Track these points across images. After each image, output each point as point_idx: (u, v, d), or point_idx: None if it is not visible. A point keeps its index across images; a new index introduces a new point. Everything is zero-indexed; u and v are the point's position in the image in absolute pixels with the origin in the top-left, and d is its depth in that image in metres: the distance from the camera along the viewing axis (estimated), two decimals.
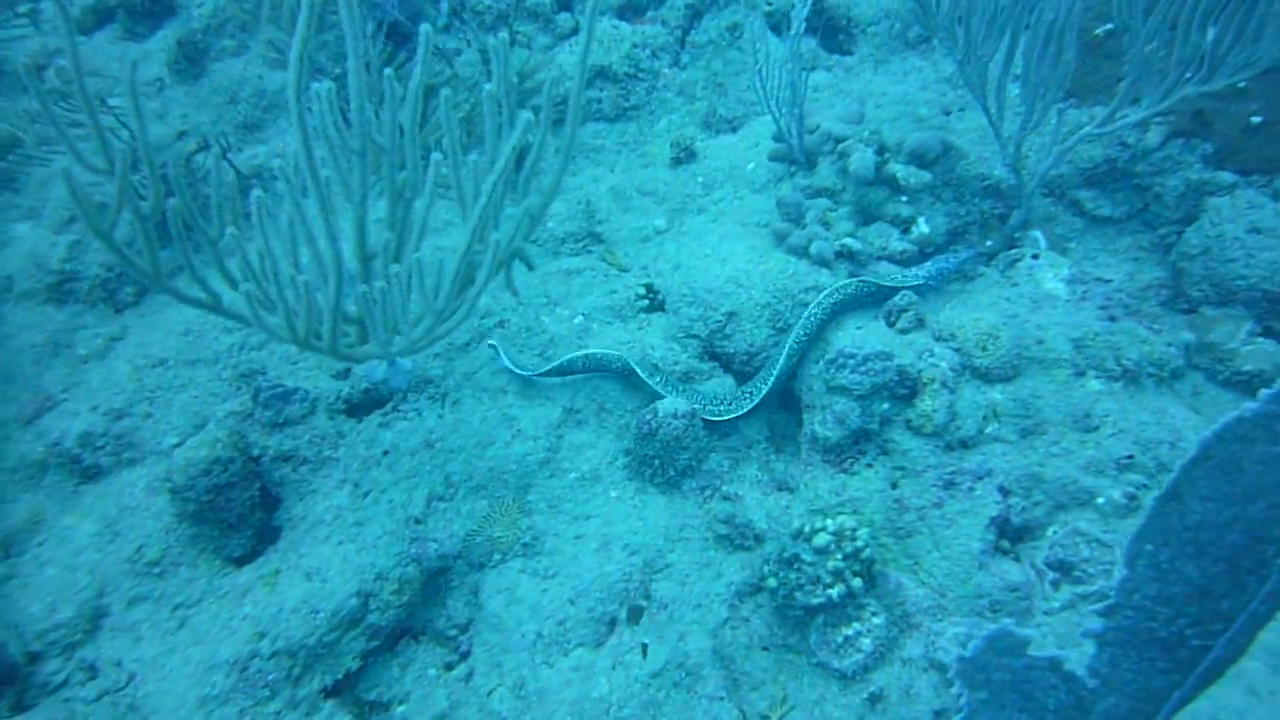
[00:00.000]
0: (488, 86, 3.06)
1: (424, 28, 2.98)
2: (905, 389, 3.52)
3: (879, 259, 4.19)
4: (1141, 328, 3.85)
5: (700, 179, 4.99)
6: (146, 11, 6.02)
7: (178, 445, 3.87)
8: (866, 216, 4.31)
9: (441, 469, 3.73)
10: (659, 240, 4.76)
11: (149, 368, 4.33)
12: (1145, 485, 3.38)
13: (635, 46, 5.40)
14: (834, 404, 3.51)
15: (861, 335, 3.75)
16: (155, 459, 4.01)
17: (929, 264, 4.08)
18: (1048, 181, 4.57)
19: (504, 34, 3.12)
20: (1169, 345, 3.80)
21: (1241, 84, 4.66)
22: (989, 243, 4.30)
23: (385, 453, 3.74)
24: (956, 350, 3.59)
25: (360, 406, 3.93)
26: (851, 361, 3.43)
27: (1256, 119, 4.37)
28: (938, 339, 3.69)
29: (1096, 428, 3.51)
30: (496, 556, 3.52)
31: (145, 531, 3.75)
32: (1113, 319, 3.89)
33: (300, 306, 2.94)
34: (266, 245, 3.00)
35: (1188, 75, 3.48)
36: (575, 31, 5.46)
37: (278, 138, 5.24)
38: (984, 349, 3.55)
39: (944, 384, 3.44)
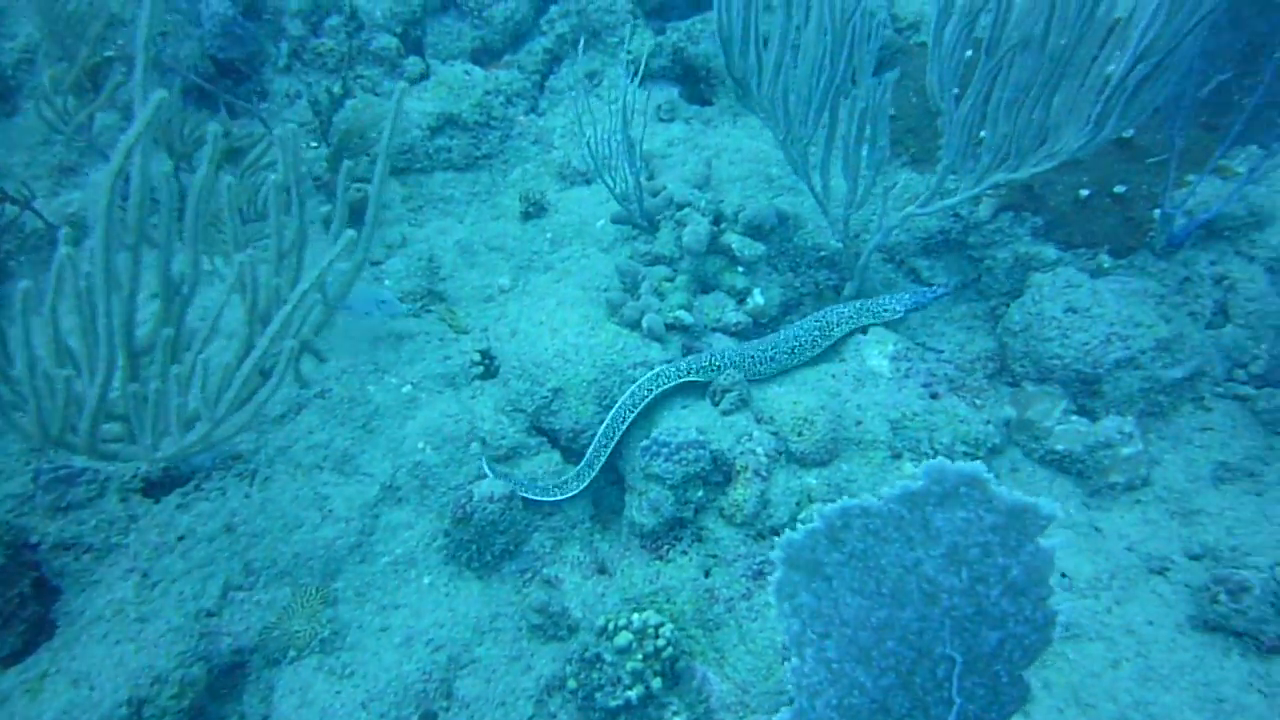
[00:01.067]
0: (272, 177, 2.88)
1: (212, 127, 2.76)
2: (720, 475, 3.48)
3: (714, 330, 4.16)
4: (963, 405, 3.90)
5: (549, 235, 4.89)
6: None
7: None
8: (704, 286, 4.27)
9: (242, 555, 3.52)
10: (503, 300, 4.64)
11: None
12: None
13: (488, 93, 5.27)
14: (649, 491, 3.45)
15: (685, 416, 3.70)
16: None
17: (907, 295, 4.09)
18: (889, 249, 4.62)
19: (292, 125, 2.95)
20: (987, 423, 3.86)
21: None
22: None
23: (180, 538, 3.52)
24: (774, 434, 3.57)
25: (159, 486, 3.69)
26: (665, 450, 3.37)
27: (1085, 192, 4.50)
28: (759, 421, 3.67)
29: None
30: (292, 653, 3.34)
31: None
32: (934, 396, 3.93)
33: (57, 400, 2.71)
34: (25, 335, 2.76)
35: (998, 162, 3.53)
36: (424, 76, 5.30)
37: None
38: (800, 434, 3.53)
39: (756, 472, 3.41)
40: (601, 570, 3.64)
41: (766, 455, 3.48)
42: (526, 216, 4.98)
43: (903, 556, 1.86)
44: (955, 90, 3.52)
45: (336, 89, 4.70)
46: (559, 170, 5.27)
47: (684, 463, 3.36)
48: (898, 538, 1.86)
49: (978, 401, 4.05)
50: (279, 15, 5.26)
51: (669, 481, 3.38)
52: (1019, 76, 3.14)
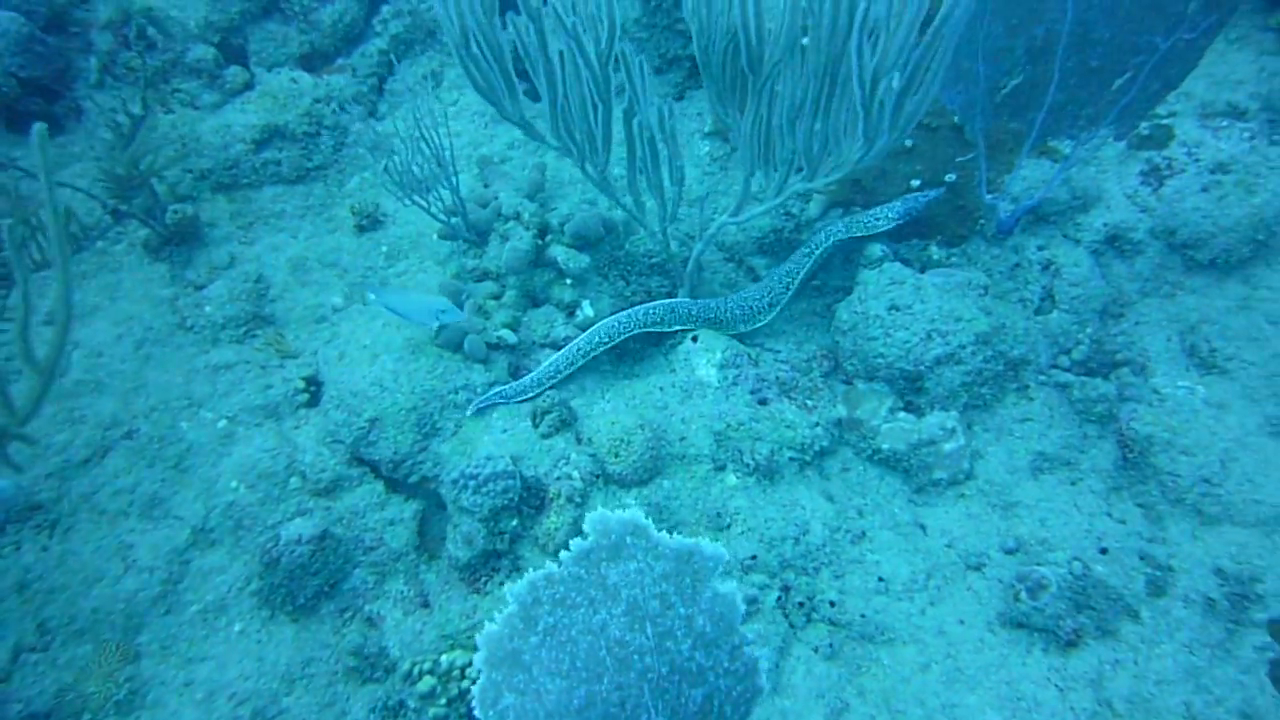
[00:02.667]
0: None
1: None
2: (535, 503, 3.40)
3: (542, 346, 4.06)
4: (791, 409, 3.88)
5: (385, 249, 4.73)
6: None
7: None
8: (533, 300, 4.17)
9: (36, 614, 3.35)
10: (336, 320, 4.48)
11: None
12: (767, 585, 3.40)
13: (318, 101, 5.05)
14: (462, 523, 3.36)
15: (505, 441, 3.61)
16: None
17: (898, 203, 4.09)
18: (729, 248, 4.58)
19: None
20: (815, 426, 3.85)
21: (908, 143, 4.80)
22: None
23: None
24: (592, 456, 3.51)
25: None
26: (473, 483, 3.28)
27: (916, 182, 4.50)
28: (579, 442, 3.60)
29: (728, 526, 3.50)
30: (86, 716, 3.19)
31: None
32: (762, 403, 3.90)
33: None
34: None
35: (792, 172, 3.48)
36: (248, 86, 5.05)
37: None
38: (617, 455, 3.47)
39: (570, 498, 3.34)
40: (425, 604, 3.54)
41: (582, 479, 3.42)
42: (361, 230, 4.80)
43: (589, 621, 1.81)
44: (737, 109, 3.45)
45: (137, 108, 4.45)
46: (399, 177, 5.08)
47: (492, 494, 3.28)
48: (582, 601, 1.81)
49: (810, 403, 4.03)
50: (87, 28, 4.96)
51: (478, 514, 3.29)
52: (790, 92, 3.09)
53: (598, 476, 3.47)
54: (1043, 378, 4.02)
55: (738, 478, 3.60)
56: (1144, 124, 4.68)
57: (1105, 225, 4.30)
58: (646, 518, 1.78)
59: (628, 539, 1.76)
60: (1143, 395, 3.84)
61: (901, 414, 3.94)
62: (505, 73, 3.25)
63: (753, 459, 3.60)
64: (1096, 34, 3.65)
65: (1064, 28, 3.56)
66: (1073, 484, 3.69)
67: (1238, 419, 3.67)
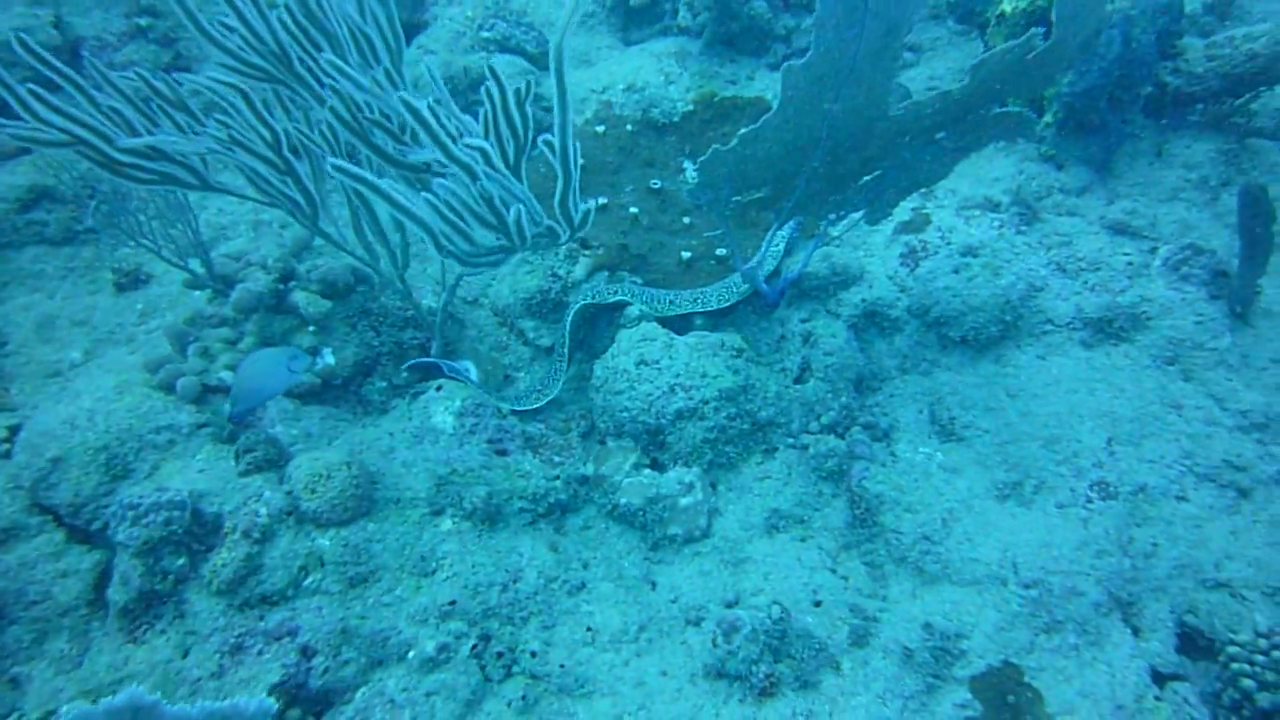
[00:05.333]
0: None
1: None
2: (210, 541, 3.11)
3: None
4: (531, 461, 3.73)
5: (140, 306, 4.54)
6: None
7: None
8: (271, 346, 3.99)
9: None
10: (71, 375, 4.21)
11: None
12: (464, 634, 3.13)
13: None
14: (120, 561, 3.03)
15: (197, 479, 3.34)
16: None
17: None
18: (500, 310, 4.53)
19: None
20: (554, 480, 3.69)
21: (685, 219, 4.91)
22: (403, 372, 4.10)
23: None
24: (288, 493, 3.26)
25: None
26: (131, 514, 2.99)
27: (687, 254, 4.57)
28: (281, 482, 3.35)
29: (434, 571, 3.25)
30: None
31: None
32: (501, 453, 3.74)
33: None
34: None
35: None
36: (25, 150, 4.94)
37: None
38: (313, 491, 3.23)
39: (246, 533, 3.07)
40: (80, 663, 3.14)
41: (269, 515, 3.15)
42: (120, 289, 4.62)
43: None
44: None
45: None
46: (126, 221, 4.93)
47: (152, 526, 2.98)
48: None
49: (556, 458, 3.88)
50: None
51: (132, 548, 2.98)
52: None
53: (289, 514, 3.20)
54: (790, 441, 3.96)
55: (453, 523, 3.38)
56: (907, 212, 4.92)
57: (864, 301, 4.40)
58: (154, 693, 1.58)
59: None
60: (879, 457, 3.81)
61: (646, 470, 3.81)
62: None
63: (472, 504, 3.40)
64: (846, 158, 3.69)
65: (816, 162, 3.58)
66: (802, 540, 3.57)
67: (967, 483, 3.66)
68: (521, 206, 3.02)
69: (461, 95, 5.55)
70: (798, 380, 4.19)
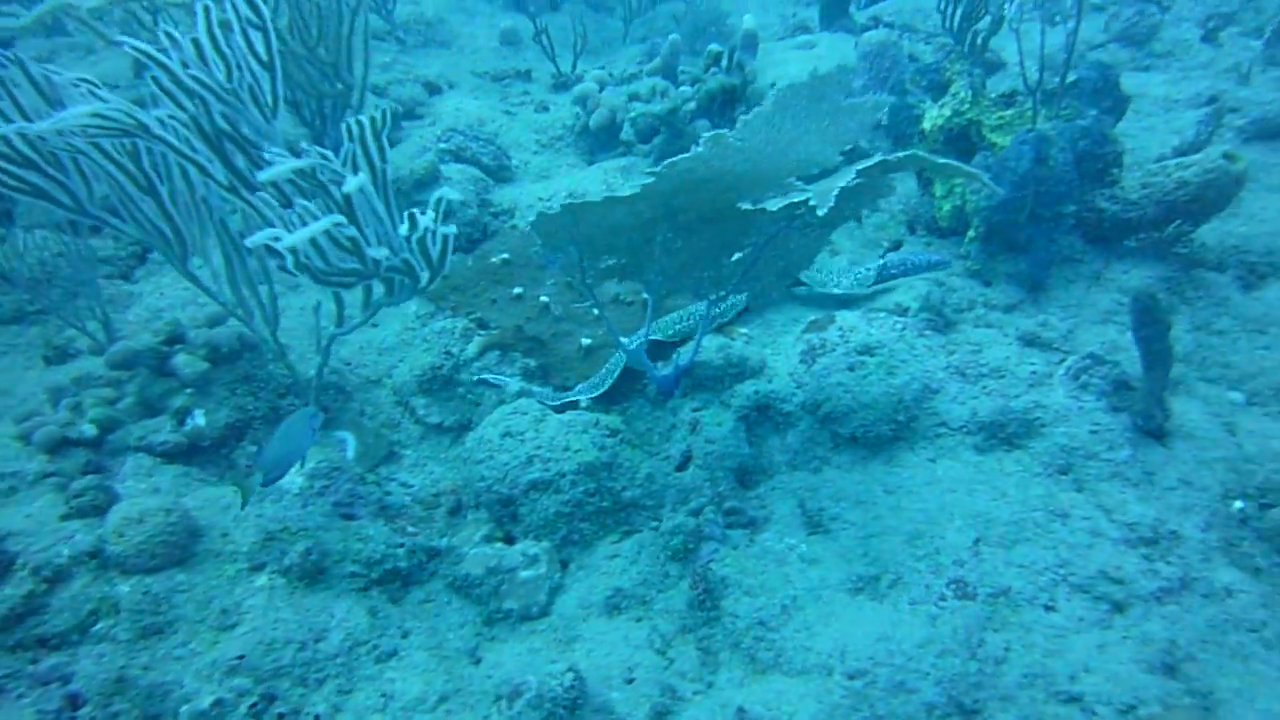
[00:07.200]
0: None
1: None
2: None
3: (137, 450, 3.87)
4: (378, 528, 3.65)
5: (65, 379, 4.66)
6: None
7: None
8: (150, 408, 4.05)
9: None
10: None
11: None
12: (247, 691, 2.97)
13: (58, 255, 5.23)
14: None
15: (15, 517, 3.32)
16: None
17: (904, 252, 4.73)
18: (395, 388, 4.56)
19: None
20: (398, 547, 3.60)
21: (595, 312, 4.92)
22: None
23: None
24: (99, 535, 3.21)
25: None
26: None
27: (587, 340, 4.60)
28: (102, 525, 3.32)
29: (234, 625, 3.13)
30: None
31: None
32: (349, 517, 3.67)
33: None
34: None
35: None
36: None
37: None
38: (121, 535, 3.19)
39: (35, 571, 3.02)
40: None
41: (70, 556, 3.10)
42: (49, 362, 4.78)
43: None
44: None
45: None
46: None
47: None
48: None
49: (411, 529, 3.79)
50: None
51: None
52: None
53: (92, 556, 3.15)
54: (655, 523, 3.82)
55: (269, 578, 3.28)
56: (817, 312, 4.91)
57: (756, 393, 4.33)
58: None
59: None
60: (734, 540, 3.64)
61: (498, 543, 3.69)
62: None
63: (292, 560, 3.31)
64: (700, 230, 3.76)
65: (668, 233, 3.64)
66: (638, 621, 3.37)
67: (820, 573, 3.46)
68: (374, 231, 3.06)
69: (405, 195, 5.81)
70: (680, 468, 4.09)
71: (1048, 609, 3.28)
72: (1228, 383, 4.66)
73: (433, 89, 7.97)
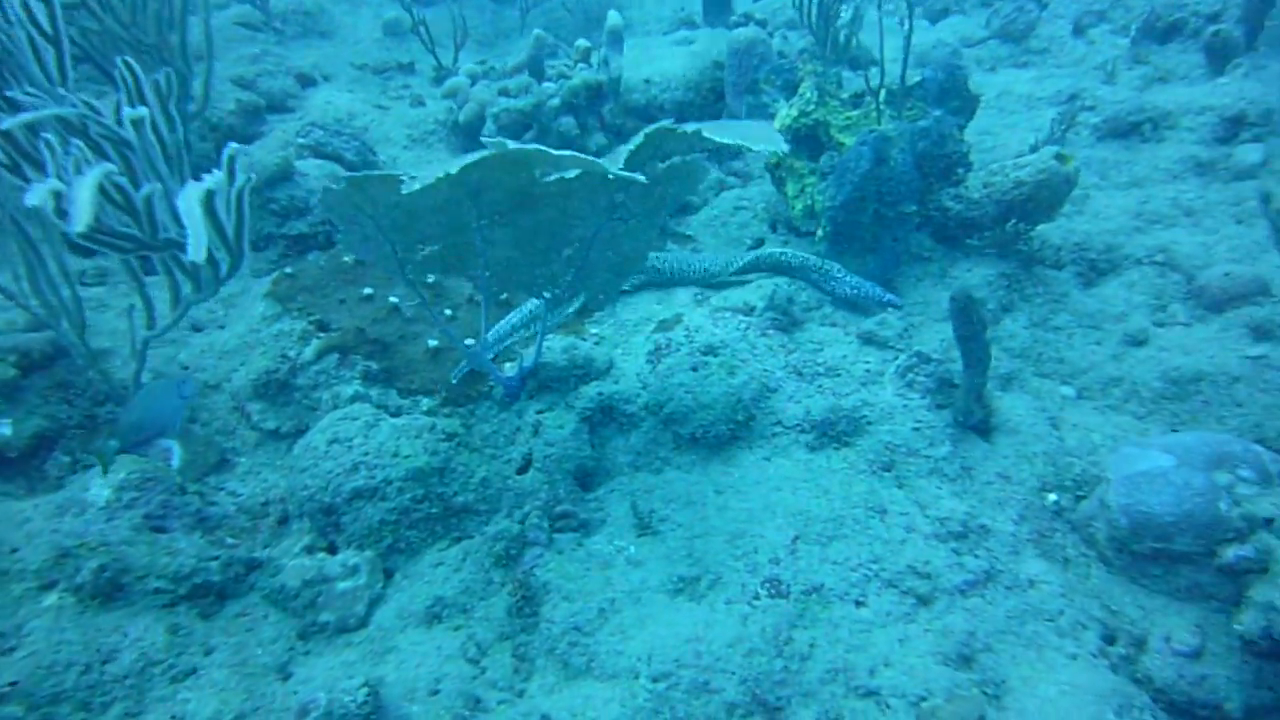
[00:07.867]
0: None
1: None
2: None
3: None
4: (188, 541, 3.52)
5: None
6: None
7: None
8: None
9: None
10: None
11: None
12: (20, 719, 2.85)
13: None
14: None
15: None
16: None
17: (857, 280, 4.82)
18: (232, 394, 4.41)
19: None
20: (209, 560, 3.49)
21: (448, 312, 4.86)
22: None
23: None
24: None
25: None
26: None
27: (433, 343, 4.50)
28: None
29: (14, 649, 2.99)
30: None
31: None
32: (159, 530, 3.54)
33: None
34: None
35: None
36: None
37: None
38: None
39: None
40: None
41: None
42: None
43: None
44: None
45: None
46: None
47: None
48: None
49: (231, 540, 3.67)
50: None
51: None
52: None
53: None
54: (487, 528, 3.79)
55: (59, 597, 3.14)
56: (667, 312, 4.93)
57: (600, 395, 4.31)
58: None
59: None
60: (560, 545, 3.63)
61: (320, 553, 3.61)
62: None
63: (84, 578, 3.17)
64: (516, 218, 3.70)
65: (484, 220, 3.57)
66: (456, 629, 3.34)
67: (642, 575, 3.46)
68: (155, 188, 2.91)
69: (256, 192, 5.63)
70: (521, 471, 4.06)
71: (858, 604, 3.36)
72: (1060, 377, 4.84)
73: (306, 81, 7.76)
